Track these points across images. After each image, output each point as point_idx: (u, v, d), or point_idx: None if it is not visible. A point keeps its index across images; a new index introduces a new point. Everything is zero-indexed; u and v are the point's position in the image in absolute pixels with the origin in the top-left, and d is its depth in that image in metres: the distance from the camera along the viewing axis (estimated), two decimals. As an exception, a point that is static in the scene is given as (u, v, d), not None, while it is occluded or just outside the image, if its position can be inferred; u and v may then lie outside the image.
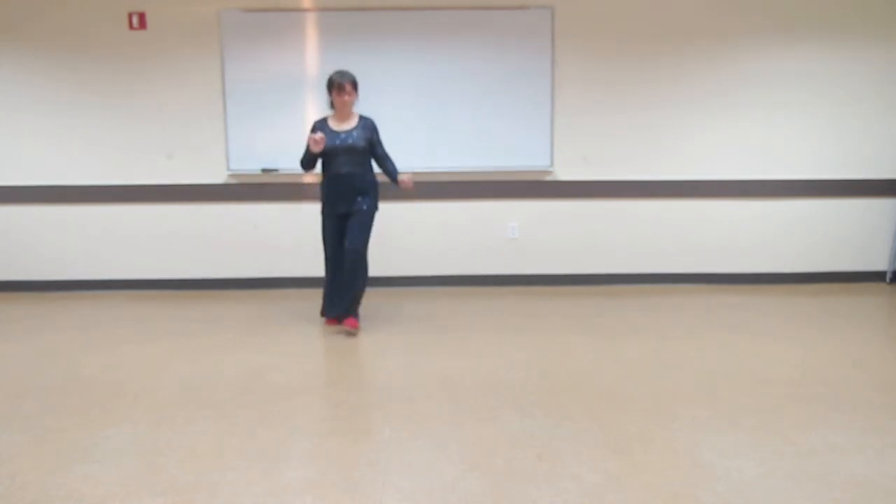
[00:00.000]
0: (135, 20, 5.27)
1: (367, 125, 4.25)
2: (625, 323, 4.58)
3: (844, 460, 2.65)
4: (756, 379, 3.52)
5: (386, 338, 4.19)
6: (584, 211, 5.57)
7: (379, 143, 4.30)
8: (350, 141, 4.18)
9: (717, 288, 5.54)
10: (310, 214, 5.51)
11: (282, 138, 5.38)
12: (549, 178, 5.52)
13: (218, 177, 5.47)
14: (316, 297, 5.38)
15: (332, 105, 4.21)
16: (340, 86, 4.12)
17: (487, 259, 5.61)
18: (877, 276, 5.68)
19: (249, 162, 5.42)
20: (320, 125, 4.25)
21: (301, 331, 4.48)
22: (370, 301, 4.87)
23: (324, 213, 4.34)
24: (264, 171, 5.42)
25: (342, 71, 4.18)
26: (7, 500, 2.42)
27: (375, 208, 4.30)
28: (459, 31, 5.29)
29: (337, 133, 4.19)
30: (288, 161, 5.42)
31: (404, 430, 2.96)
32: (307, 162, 4.24)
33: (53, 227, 5.54)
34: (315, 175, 5.46)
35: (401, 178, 4.20)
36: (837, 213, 5.59)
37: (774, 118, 5.45)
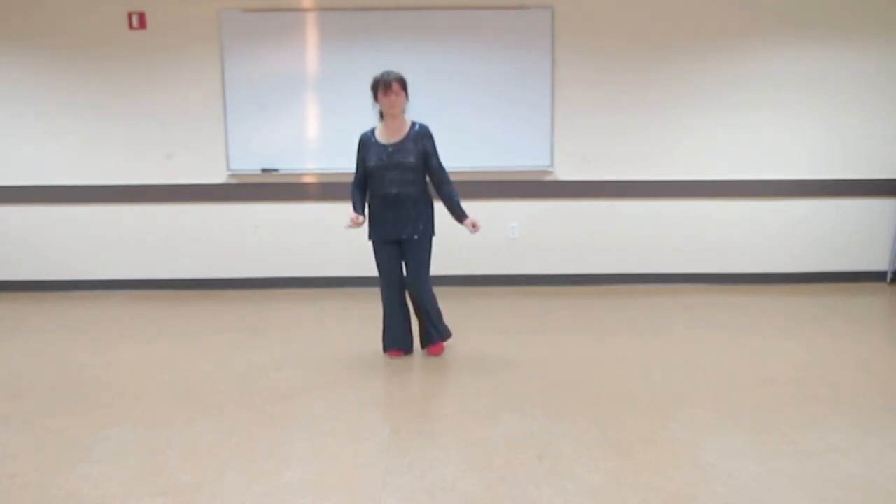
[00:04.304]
0: (135, 20, 5.27)
1: (421, 133, 3.69)
2: (625, 323, 4.58)
3: (844, 460, 2.65)
4: (756, 379, 3.52)
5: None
6: (584, 211, 5.57)
7: (434, 153, 3.71)
8: (399, 157, 3.64)
9: (717, 288, 5.54)
10: (310, 214, 5.53)
11: (282, 138, 5.38)
12: (549, 178, 5.52)
13: (218, 177, 5.47)
14: (316, 296, 5.40)
15: (381, 114, 3.70)
16: (387, 84, 3.57)
17: (487, 259, 5.61)
18: (877, 276, 5.68)
19: (249, 162, 5.42)
20: (366, 139, 3.72)
21: (301, 331, 4.48)
22: (370, 302, 4.87)
23: (372, 239, 3.80)
24: (264, 171, 5.42)
25: (388, 70, 3.65)
26: (7, 500, 2.42)
27: (432, 233, 3.78)
28: (460, 31, 5.29)
29: (384, 147, 3.66)
30: (288, 161, 5.43)
31: (404, 430, 2.96)
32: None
33: (53, 227, 5.53)
34: (315, 175, 5.48)
35: (467, 222, 3.76)
36: (837, 213, 5.59)
37: (774, 118, 5.45)
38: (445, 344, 4.01)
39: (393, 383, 3.58)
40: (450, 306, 4.92)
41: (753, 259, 5.64)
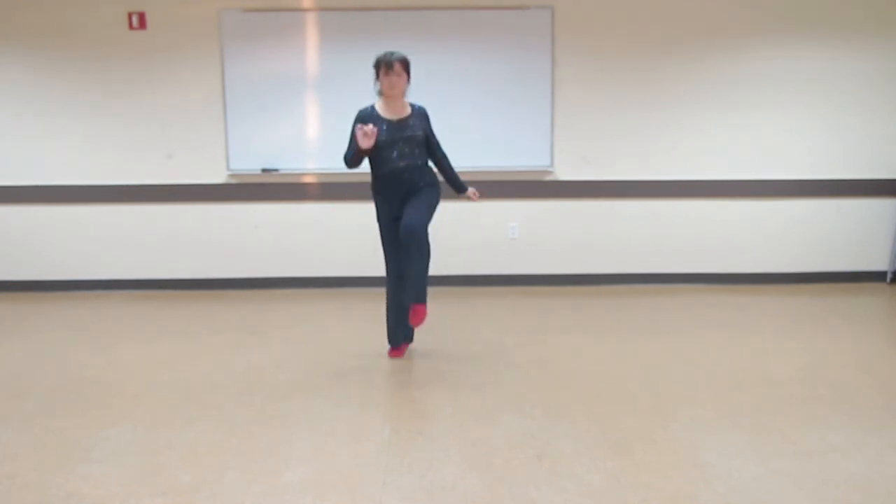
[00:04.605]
0: (135, 20, 5.27)
1: (422, 114, 3.75)
2: (625, 323, 4.58)
3: (844, 460, 2.65)
4: (756, 379, 3.52)
5: (385, 338, 4.18)
6: (584, 211, 5.57)
7: (433, 133, 3.79)
8: (409, 131, 3.64)
9: (717, 288, 5.54)
10: (310, 214, 5.53)
11: (282, 138, 5.38)
12: (549, 178, 5.52)
13: (218, 177, 5.47)
14: (316, 296, 5.40)
15: (381, 92, 3.67)
16: (389, 64, 3.56)
17: (487, 259, 5.61)
18: (877, 276, 5.68)
19: (249, 162, 5.42)
20: (368, 115, 3.65)
21: (301, 331, 4.48)
22: (371, 302, 4.87)
23: (380, 219, 3.78)
24: (264, 171, 5.42)
25: (391, 50, 3.63)
26: (7, 500, 2.42)
27: (439, 196, 3.75)
28: (460, 32, 5.29)
29: (391, 122, 3.64)
30: (288, 161, 5.43)
31: (404, 430, 2.96)
32: (353, 159, 3.63)
33: (53, 227, 5.53)
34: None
35: (470, 191, 3.90)
36: (837, 213, 5.59)
37: (774, 118, 5.45)
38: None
39: (393, 383, 3.58)
40: (450, 306, 4.94)
41: (753, 259, 5.64)
